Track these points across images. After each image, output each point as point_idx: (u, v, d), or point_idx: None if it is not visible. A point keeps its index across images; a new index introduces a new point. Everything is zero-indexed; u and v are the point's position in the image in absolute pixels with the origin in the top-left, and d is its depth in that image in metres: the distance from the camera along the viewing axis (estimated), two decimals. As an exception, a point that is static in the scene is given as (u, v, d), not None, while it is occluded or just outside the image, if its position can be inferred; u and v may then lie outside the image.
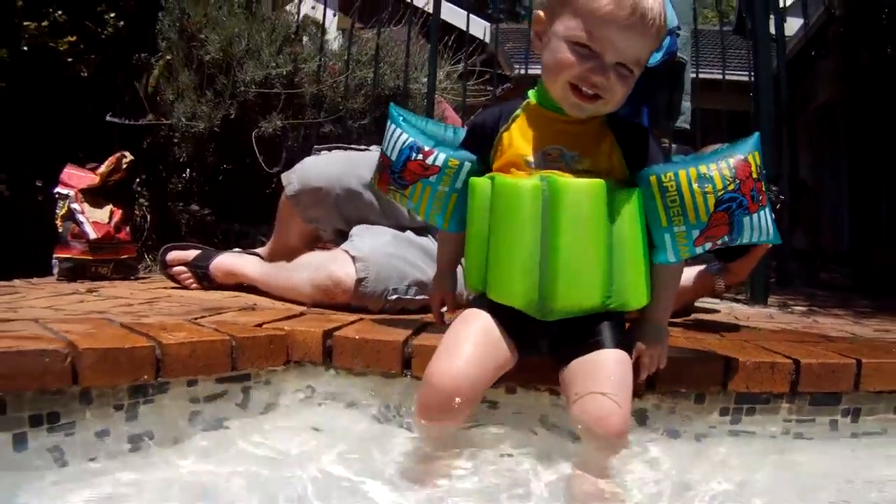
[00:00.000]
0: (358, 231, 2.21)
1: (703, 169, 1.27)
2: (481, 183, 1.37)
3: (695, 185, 1.26)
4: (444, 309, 1.62)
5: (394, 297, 2.04)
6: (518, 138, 1.37)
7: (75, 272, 2.82)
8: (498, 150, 1.39)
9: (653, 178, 1.28)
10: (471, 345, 1.31)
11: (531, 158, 1.34)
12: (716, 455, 1.39)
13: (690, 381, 1.44)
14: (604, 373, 1.28)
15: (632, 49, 1.27)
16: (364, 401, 1.47)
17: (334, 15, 5.48)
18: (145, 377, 1.26)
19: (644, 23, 1.25)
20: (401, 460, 1.27)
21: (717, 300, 3.09)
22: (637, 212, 1.30)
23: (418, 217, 1.51)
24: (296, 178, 2.33)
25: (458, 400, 1.26)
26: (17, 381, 1.13)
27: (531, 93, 1.41)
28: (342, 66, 3.48)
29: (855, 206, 8.67)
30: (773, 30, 3.76)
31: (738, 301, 3.16)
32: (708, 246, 1.31)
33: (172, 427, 1.32)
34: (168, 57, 3.65)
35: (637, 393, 1.39)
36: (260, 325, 1.51)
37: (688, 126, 3.17)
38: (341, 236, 2.34)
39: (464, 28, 3.76)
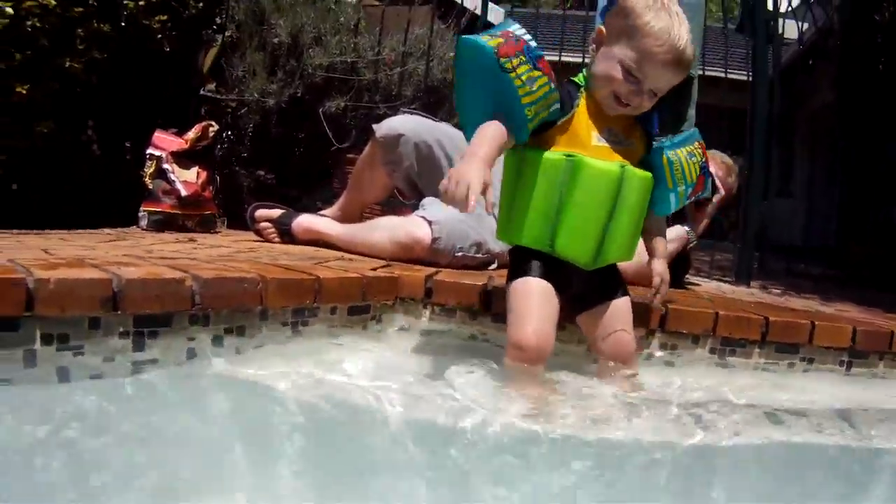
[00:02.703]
0: (429, 201, 2.72)
1: (689, 148, 1.85)
2: (556, 160, 1.68)
3: (689, 159, 1.85)
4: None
5: (460, 254, 2.55)
6: (584, 119, 1.73)
7: (163, 224, 3.21)
8: (566, 125, 1.72)
9: (664, 157, 1.83)
10: (541, 308, 1.71)
11: (595, 136, 1.72)
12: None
13: (690, 325, 1.99)
14: (623, 315, 1.84)
15: (666, 83, 1.71)
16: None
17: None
18: (307, 301, 1.75)
19: (681, 67, 1.69)
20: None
21: (707, 279, 3.65)
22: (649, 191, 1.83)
23: (525, 107, 1.63)
24: (385, 125, 2.86)
25: (545, 353, 1.70)
26: (223, 301, 1.57)
27: (580, 79, 1.78)
28: (397, 56, 3.98)
29: (843, 204, 9.15)
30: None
31: (724, 282, 3.69)
32: (693, 198, 1.91)
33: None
34: (228, 33, 4.11)
35: (651, 331, 1.97)
36: (374, 269, 2.04)
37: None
38: (409, 186, 2.89)
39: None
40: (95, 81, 3.59)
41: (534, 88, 1.61)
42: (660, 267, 1.91)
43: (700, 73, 4.01)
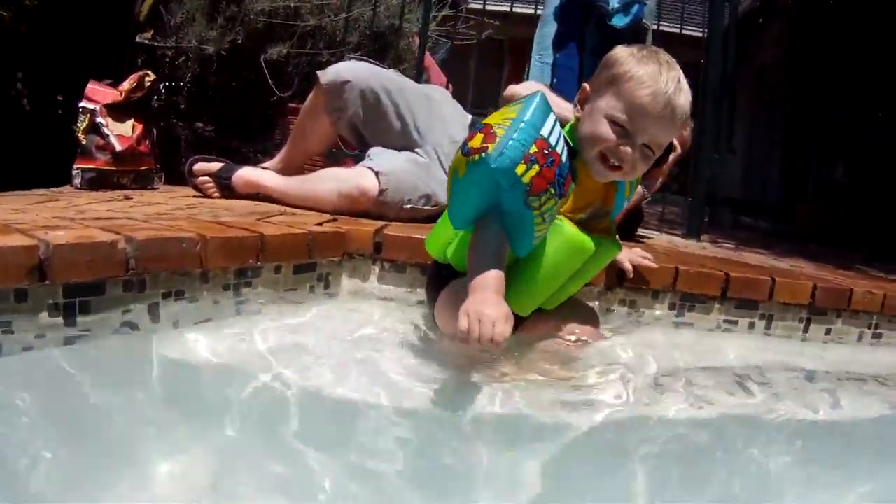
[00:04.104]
0: (375, 151, 2.61)
1: None
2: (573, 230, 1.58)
3: None
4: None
5: (408, 205, 2.45)
6: (578, 193, 1.58)
7: (97, 182, 3.03)
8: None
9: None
10: None
11: (584, 214, 1.62)
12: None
13: (650, 281, 1.92)
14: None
15: (659, 136, 1.53)
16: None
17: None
18: (250, 261, 1.63)
19: (674, 117, 1.51)
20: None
21: (658, 232, 3.63)
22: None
23: (536, 236, 1.51)
24: (331, 71, 2.72)
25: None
26: (162, 262, 1.45)
27: (568, 136, 1.57)
28: (342, 1, 3.80)
29: (786, 163, 9.31)
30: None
31: (674, 235, 3.68)
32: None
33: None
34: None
35: (610, 287, 1.89)
36: (320, 224, 1.92)
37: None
38: (355, 135, 2.77)
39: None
40: (25, 31, 3.33)
41: (549, 219, 1.49)
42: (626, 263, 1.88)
43: (655, 27, 3.96)
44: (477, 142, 1.43)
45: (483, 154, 1.41)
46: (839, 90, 6.66)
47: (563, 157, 1.46)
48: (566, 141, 1.51)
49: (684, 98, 1.51)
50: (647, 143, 1.52)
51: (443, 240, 1.68)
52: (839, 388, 1.80)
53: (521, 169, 1.39)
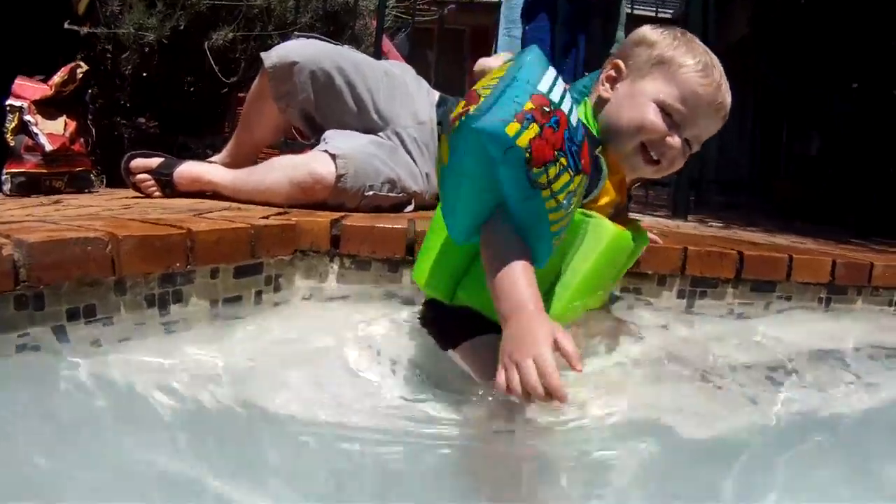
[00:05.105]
0: (332, 134, 2.31)
1: None
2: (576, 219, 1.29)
3: None
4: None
5: (370, 192, 2.16)
6: (604, 193, 1.35)
7: (28, 186, 2.78)
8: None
9: None
10: None
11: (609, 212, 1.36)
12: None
13: (656, 265, 1.66)
14: None
15: (706, 131, 1.37)
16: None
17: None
18: (178, 264, 1.34)
19: (722, 113, 1.36)
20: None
21: (641, 215, 3.39)
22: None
23: (553, 235, 1.19)
24: (275, 53, 2.42)
25: None
26: (61, 270, 1.17)
27: (589, 123, 1.35)
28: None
29: (758, 138, 9.21)
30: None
31: (660, 216, 3.46)
32: None
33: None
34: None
35: None
36: (266, 217, 1.63)
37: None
38: (308, 123, 2.47)
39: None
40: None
41: (570, 209, 1.17)
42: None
43: (629, 10, 3.76)
44: (458, 109, 1.14)
45: (463, 118, 1.10)
46: (809, 64, 6.53)
47: (573, 121, 1.15)
48: (584, 123, 1.24)
49: (730, 95, 1.36)
50: (689, 138, 1.34)
51: (446, 272, 1.31)
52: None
53: (513, 128, 1.07)
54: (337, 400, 1.21)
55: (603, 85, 1.38)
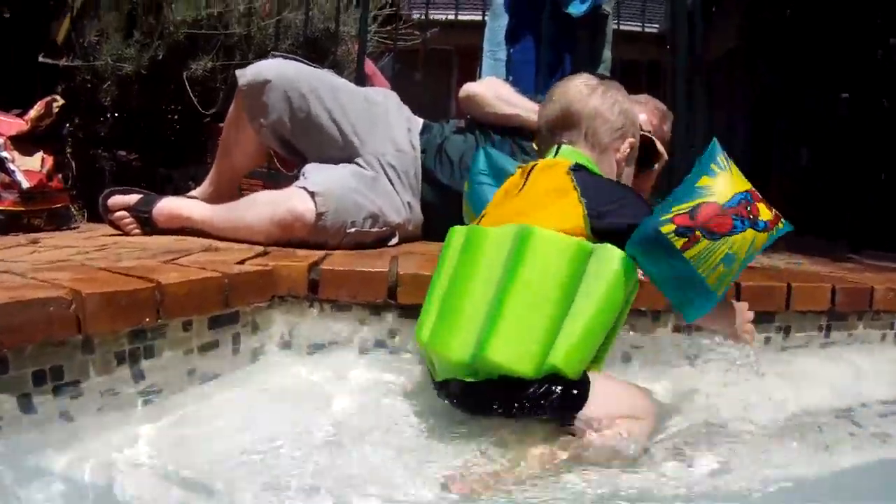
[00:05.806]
0: (310, 168, 2.25)
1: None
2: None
3: None
4: None
5: (352, 229, 2.10)
6: None
7: (7, 226, 2.70)
8: None
9: None
10: None
11: None
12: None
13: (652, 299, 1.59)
14: None
15: None
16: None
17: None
18: (147, 320, 1.27)
19: None
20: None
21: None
22: None
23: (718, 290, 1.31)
24: (249, 71, 2.36)
25: None
26: (22, 334, 1.10)
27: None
28: (272, 6, 3.44)
29: (748, 149, 9.18)
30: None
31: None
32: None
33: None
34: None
35: None
36: (242, 263, 1.56)
37: (608, 74, 3.33)
38: (286, 148, 2.42)
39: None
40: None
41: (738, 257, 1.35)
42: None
43: (609, 12, 3.68)
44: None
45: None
46: (800, 74, 6.51)
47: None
48: None
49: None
50: None
51: (525, 338, 1.19)
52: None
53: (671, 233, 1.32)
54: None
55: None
